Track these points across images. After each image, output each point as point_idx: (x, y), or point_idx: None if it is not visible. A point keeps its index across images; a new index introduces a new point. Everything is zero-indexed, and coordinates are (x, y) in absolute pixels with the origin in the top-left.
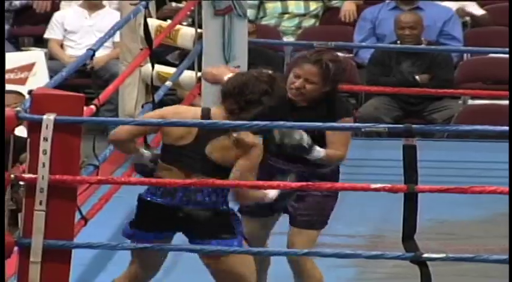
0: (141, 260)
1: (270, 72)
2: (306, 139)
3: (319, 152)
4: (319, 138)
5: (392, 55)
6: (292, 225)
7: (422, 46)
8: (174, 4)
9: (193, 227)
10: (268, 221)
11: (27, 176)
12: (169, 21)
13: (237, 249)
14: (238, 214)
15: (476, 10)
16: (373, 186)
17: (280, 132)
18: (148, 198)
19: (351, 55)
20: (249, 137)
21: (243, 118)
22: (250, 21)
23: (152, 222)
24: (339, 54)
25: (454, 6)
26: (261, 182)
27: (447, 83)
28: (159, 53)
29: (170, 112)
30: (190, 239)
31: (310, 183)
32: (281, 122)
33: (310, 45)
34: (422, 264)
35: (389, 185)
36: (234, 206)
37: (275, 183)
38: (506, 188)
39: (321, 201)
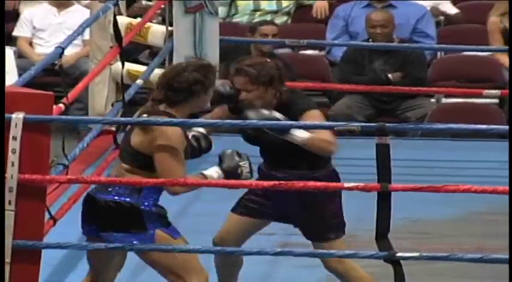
0: (97, 262)
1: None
2: (278, 114)
3: (301, 132)
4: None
5: (365, 53)
6: (313, 241)
7: (395, 44)
8: (144, 2)
9: (101, 218)
10: (261, 225)
11: None
12: (139, 19)
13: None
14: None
15: (450, 9)
16: (347, 185)
17: (251, 116)
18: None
19: (322, 53)
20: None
21: (178, 110)
22: (273, 23)
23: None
24: (309, 52)
25: (427, 5)
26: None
27: (420, 81)
28: (129, 51)
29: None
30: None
31: (282, 182)
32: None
33: (282, 43)
34: (396, 263)
35: (362, 184)
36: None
37: (246, 182)
38: (480, 187)
39: (322, 209)
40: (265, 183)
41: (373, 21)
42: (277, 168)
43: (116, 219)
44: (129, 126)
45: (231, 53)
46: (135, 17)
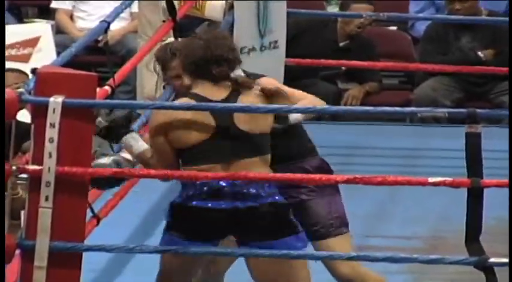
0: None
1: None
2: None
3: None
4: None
5: (449, 29)
6: (314, 240)
7: (489, 17)
8: None
9: (251, 228)
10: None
11: (31, 167)
12: None
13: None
14: None
15: None
16: (431, 180)
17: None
18: (194, 203)
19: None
20: (270, 81)
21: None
22: (370, 2)
23: (199, 231)
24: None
25: None
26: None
27: None
28: (184, 25)
29: (161, 118)
30: (244, 242)
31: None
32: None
33: (359, 16)
34: (488, 270)
35: (450, 179)
36: None
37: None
38: None
39: (328, 202)
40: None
41: None
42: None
43: (273, 224)
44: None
45: (303, 30)
46: None
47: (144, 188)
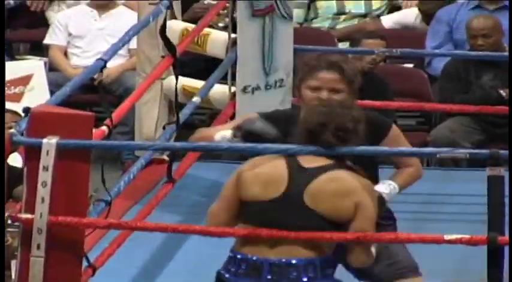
0: None
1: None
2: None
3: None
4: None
5: (470, 67)
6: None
7: (507, 54)
8: (207, 1)
9: None
10: None
11: (23, 216)
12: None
13: None
14: None
15: None
16: (447, 237)
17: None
18: (227, 276)
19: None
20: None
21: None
22: (382, 37)
23: None
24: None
25: None
26: None
27: None
28: (185, 62)
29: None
30: None
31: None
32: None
33: (370, 53)
34: None
35: (467, 236)
36: None
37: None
38: None
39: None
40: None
41: (473, 30)
42: None
43: None
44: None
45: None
46: (196, 21)
47: (141, 236)
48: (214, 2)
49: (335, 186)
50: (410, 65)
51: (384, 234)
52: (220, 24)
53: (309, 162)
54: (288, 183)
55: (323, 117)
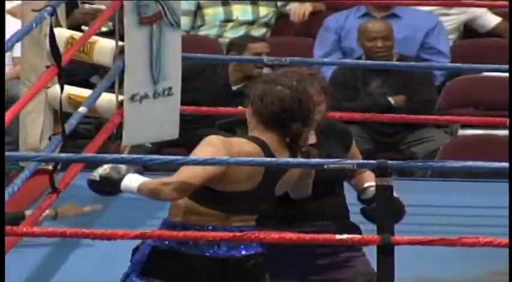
0: None
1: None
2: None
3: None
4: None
5: (358, 74)
6: None
7: (403, 62)
8: (88, 6)
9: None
10: None
11: None
12: (86, 28)
13: None
14: None
15: (489, 19)
16: (339, 237)
17: None
18: (183, 249)
19: None
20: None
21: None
22: (262, 40)
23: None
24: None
25: (454, 20)
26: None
27: (428, 105)
28: (70, 71)
29: (235, 151)
30: None
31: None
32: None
33: (259, 61)
34: None
35: (358, 236)
36: None
37: None
38: (505, 239)
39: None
40: None
41: (372, 32)
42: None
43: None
44: None
45: (196, 74)
46: (78, 27)
47: (29, 247)
48: (96, 7)
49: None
50: None
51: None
52: (104, 29)
53: (281, 153)
54: (263, 174)
55: (278, 101)
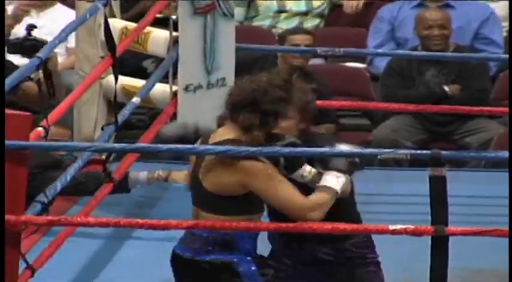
0: None
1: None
2: None
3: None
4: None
5: (413, 63)
6: None
7: (457, 54)
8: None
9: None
10: None
11: None
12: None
13: None
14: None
15: None
16: (392, 227)
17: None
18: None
19: (362, 66)
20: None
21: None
22: (308, 32)
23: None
24: (346, 63)
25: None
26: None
27: (483, 95)
28: (125, 61)
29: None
30: None
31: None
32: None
33: (313, 52)
34: None
35: (411, 227)
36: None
37: None
38: None
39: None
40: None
41: (429, 20)
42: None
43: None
44: (194, 160)
45: (250, 65)
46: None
47: (82, 236)
48: None
49: (215, 161)
50: (357, 64)
51: (323, 223)
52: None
53: (213, 138)
54: (194, 163)
55: (241, 94)
